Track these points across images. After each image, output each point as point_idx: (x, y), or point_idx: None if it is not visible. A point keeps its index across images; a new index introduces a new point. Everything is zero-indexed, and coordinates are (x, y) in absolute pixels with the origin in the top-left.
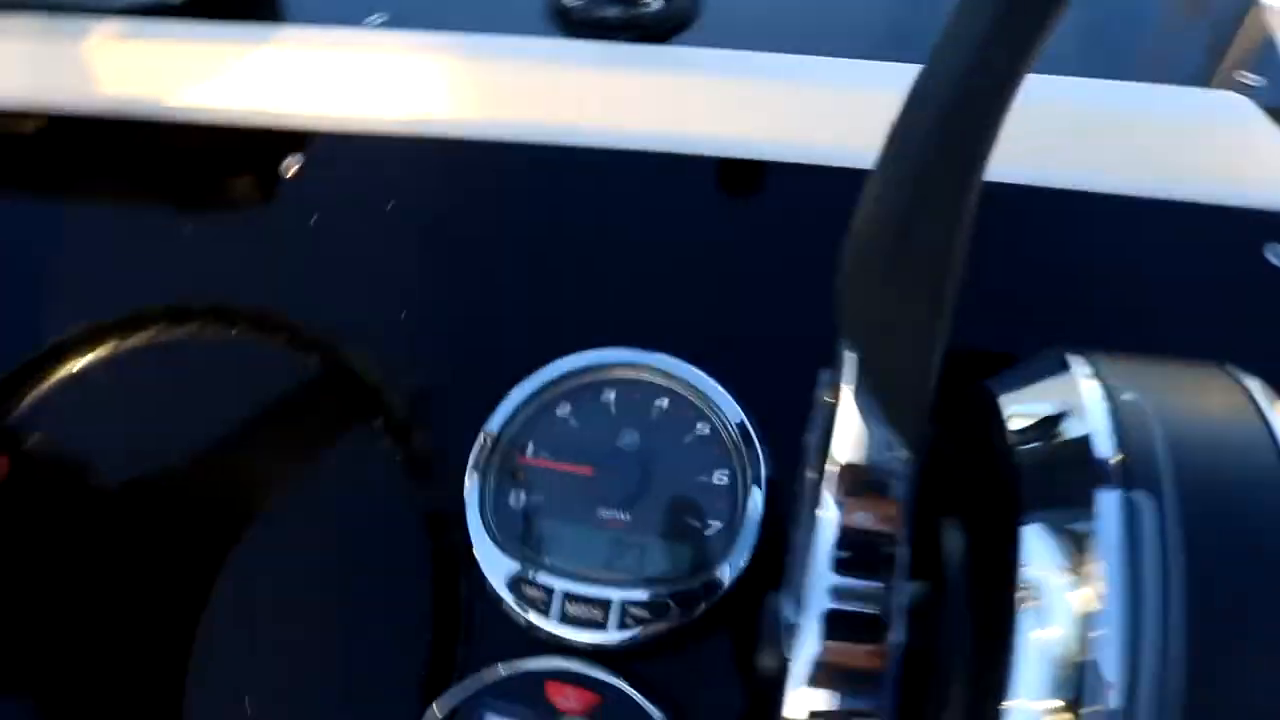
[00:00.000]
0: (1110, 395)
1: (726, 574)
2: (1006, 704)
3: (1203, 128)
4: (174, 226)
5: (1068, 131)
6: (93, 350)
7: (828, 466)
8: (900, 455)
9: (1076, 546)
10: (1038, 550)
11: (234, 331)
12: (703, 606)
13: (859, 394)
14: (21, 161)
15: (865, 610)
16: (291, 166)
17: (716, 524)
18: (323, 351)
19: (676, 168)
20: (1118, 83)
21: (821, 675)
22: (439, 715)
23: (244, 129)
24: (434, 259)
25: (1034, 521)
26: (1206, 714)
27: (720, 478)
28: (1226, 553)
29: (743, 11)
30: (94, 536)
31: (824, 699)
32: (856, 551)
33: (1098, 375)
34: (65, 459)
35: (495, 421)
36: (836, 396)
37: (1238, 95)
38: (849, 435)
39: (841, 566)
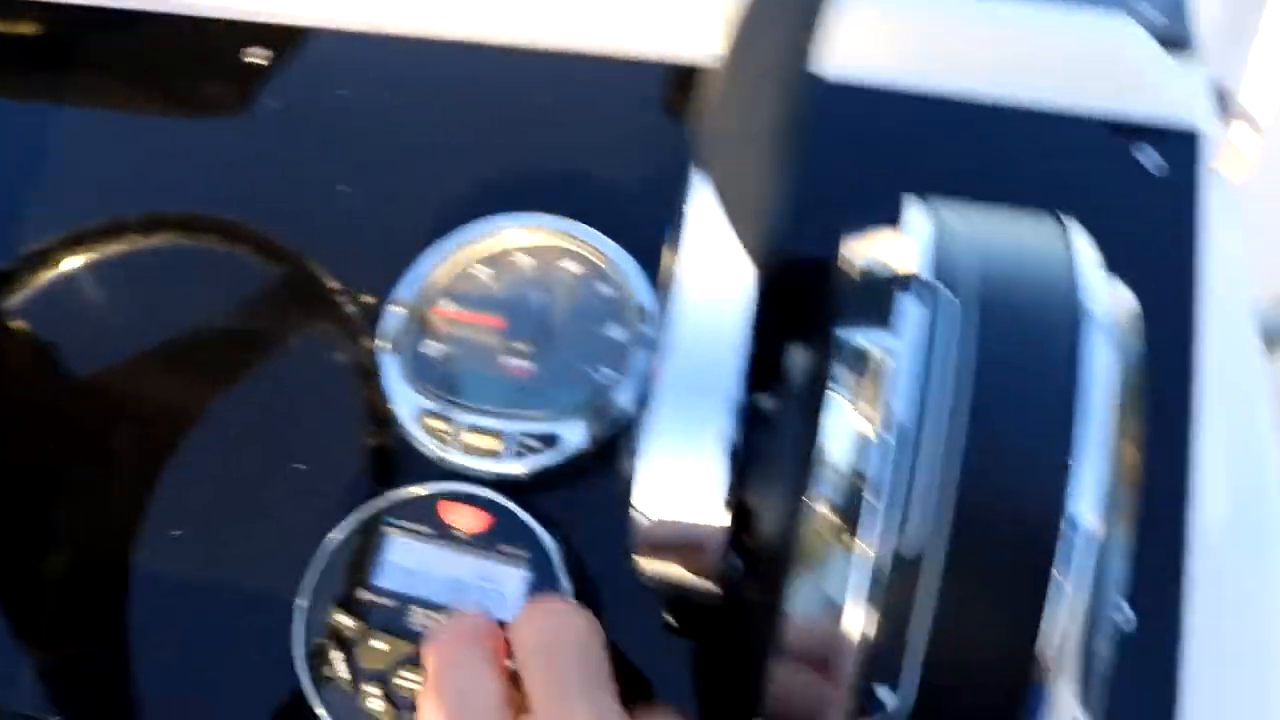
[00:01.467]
0: (932, 217)
1: (615, 415)
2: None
3: (1089, 47)
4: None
5: (966, 47)
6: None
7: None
8: (748, 269)
9: (877, 350)
10: (844, 353)
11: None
12: (591, 442)
13: (709, 212)
14: None
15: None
16: (255, 55)
17: (610, 373)
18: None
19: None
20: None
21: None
22: (341, 535)
23: None
24: (368, 143)
25: (845, 326)
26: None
27: (617, 334)
28: (1010, 356)
29: None
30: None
31: (665, 499)
32: None
33: (928, 207)
34: None
35: (412, 277)
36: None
37: (1126, 18)
38: (701, 246)
39: None
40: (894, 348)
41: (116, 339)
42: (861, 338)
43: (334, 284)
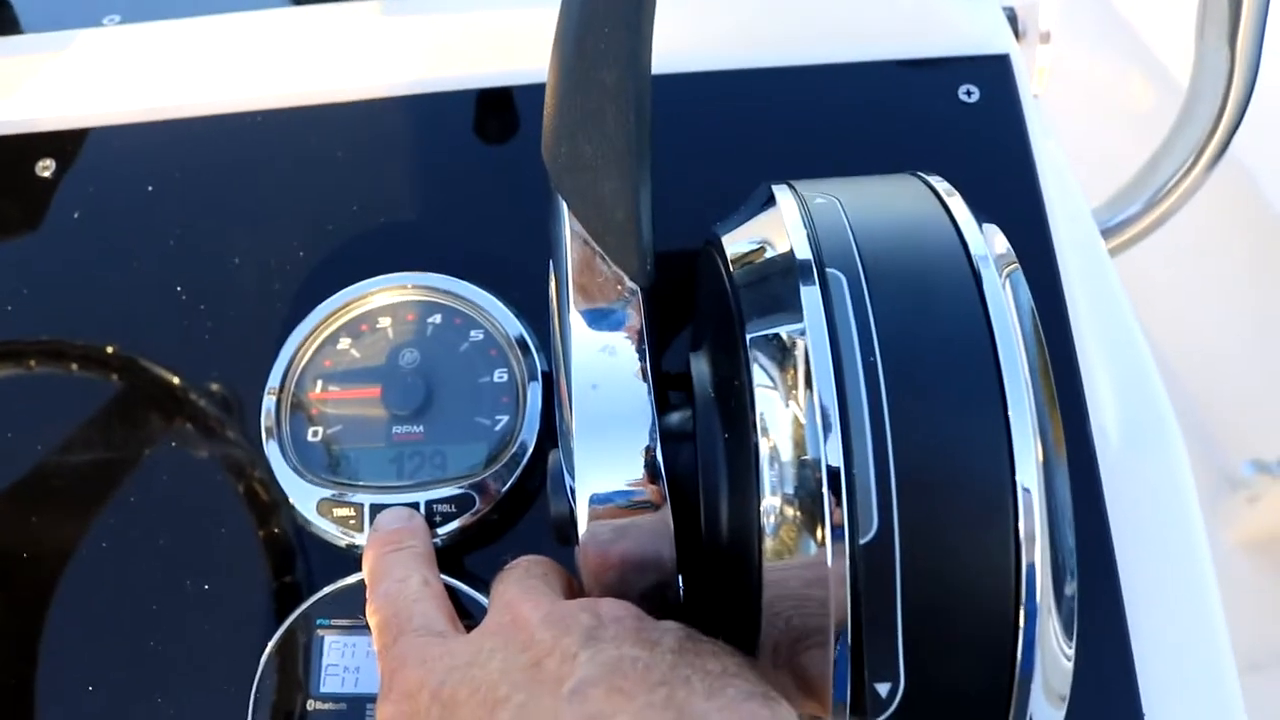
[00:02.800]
0: (803, 202)
1: (518, 459)
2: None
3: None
4: None
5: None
6: None
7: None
8: (628, 286)
9: (789, 336)
10: (758, 349)
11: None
12: (503, 491)
13: (577, 240)
14: None
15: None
16: (48, 168)
17: (503, 418)
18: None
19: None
20: None
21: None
22: (271, 648)
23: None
24: (193, 235)
25: (752, 330)
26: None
27: (500, 375)
28: (909, 319)
29: None
30: None
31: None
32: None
33: (793, 191)
34: None
35: (277, 371)
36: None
37: None
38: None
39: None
40: (803, 333)
41: None
42: (768, 332)
43: (198, 390)
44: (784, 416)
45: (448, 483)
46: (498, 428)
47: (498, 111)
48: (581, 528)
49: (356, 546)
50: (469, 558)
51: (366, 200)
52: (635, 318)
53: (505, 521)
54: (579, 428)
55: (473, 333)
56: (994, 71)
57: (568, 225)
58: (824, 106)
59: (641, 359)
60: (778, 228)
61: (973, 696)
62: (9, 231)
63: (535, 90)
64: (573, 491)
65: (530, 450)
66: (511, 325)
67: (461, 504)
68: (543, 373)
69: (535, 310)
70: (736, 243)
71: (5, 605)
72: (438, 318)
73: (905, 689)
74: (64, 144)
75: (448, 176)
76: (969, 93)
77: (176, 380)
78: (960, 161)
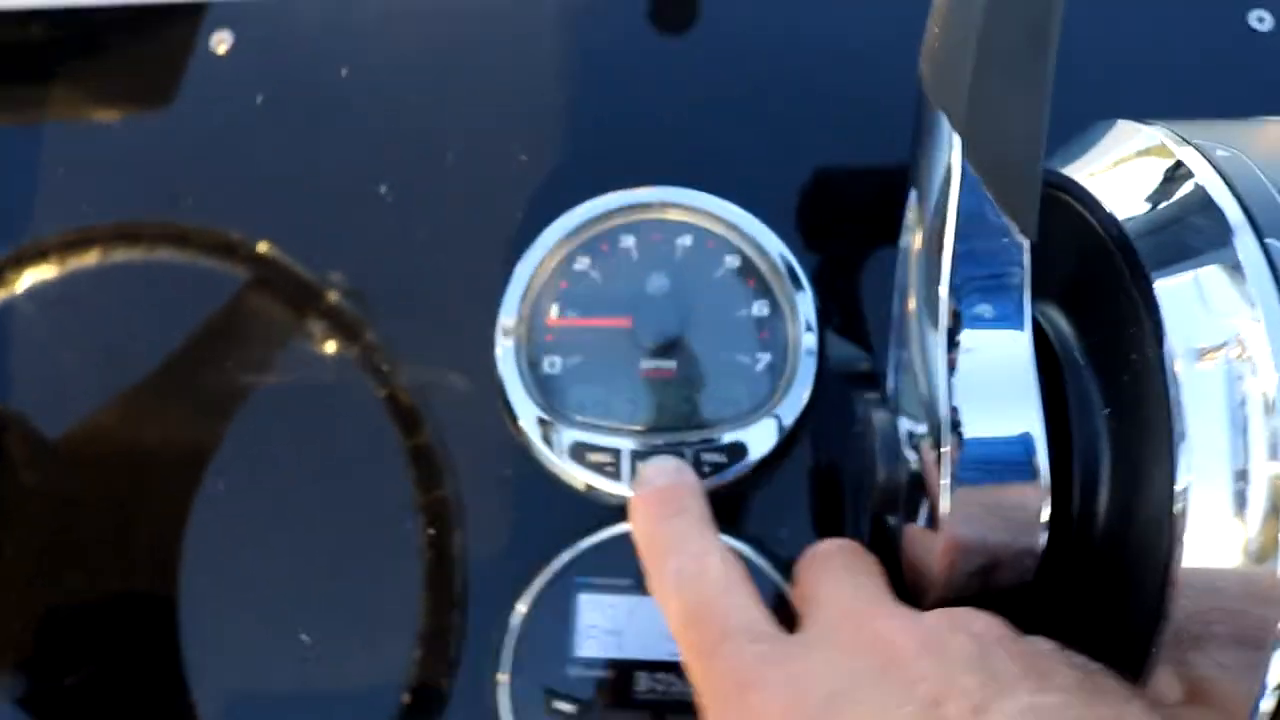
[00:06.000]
0: (1205, 154)
1: (792, 407)
2: (1183, 478)
3: None
4: (111, 126)
5: None
6: (38, 272)
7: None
8: (1017, 240)
9: (1218, 297)
10: (1176, 306)
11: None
12: (777, 440)
13: (968, 181)
14: None
15: None
16: (223, 41)
17: (764, 356)
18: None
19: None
20: None
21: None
22: (525, 606)
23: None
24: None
25: (1164, 278)
26: None
27: (760, 309)
28: None
29: None
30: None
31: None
32: None
33: (1181, 138)
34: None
35: (513, 292)
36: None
37: None
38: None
39: None
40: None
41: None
42: (1192, 306)
43: (409, 311)
44: (1222, 404)
45: (713, 427)
46: (758, 367)
47: (754, 11)
48: (945, 508)
49: (615, 496)
50: (742, 513)
51: (598, 100)
52: (1019, 275)
53: (776, 474)
54: (955, 396)
55: (728, 258)
56: None
57: (957, 164)
58: (1102, 36)
59: (1025, 325)
60: (1178, 182)
61: None
62: (182, 115)
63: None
64: (925, 463)
65: (807, 395)
66: (775, 250)
67: (733, 453)
68: (817, 309)
69: (801, 235)
70: (1113, 194)
71: (255, 557)
72: (688, 239)
73: None
74: (241, 15)
75: (694, 76)
76: (1261, 20)
77: (383, 298)
78: (1253, 100)
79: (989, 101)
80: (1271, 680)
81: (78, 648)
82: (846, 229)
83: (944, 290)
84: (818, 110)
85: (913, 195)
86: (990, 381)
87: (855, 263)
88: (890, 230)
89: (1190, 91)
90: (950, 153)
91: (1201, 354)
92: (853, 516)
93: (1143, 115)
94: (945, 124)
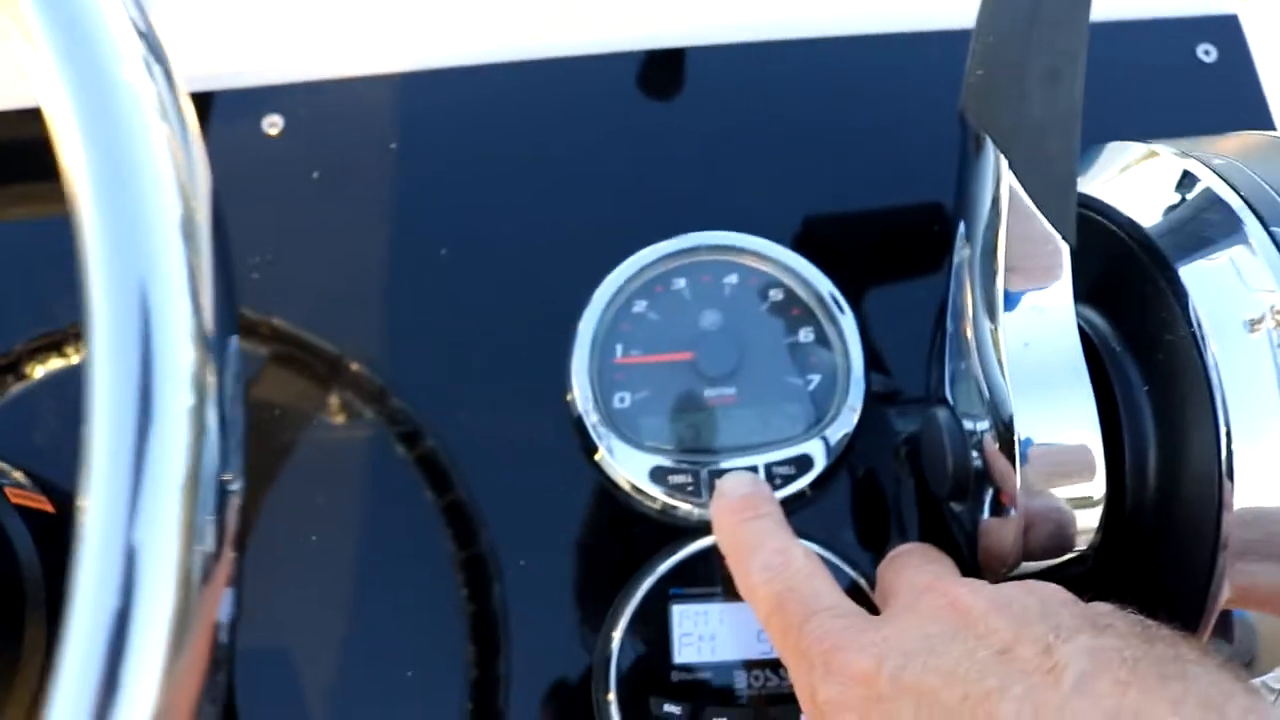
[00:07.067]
0: (1205, 162)
1: (848, 419)
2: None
3: None
4: None
5: None
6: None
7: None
8: (1059, 246)
9: (1239, 277)
10: (1200, 288)
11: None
12: (839, 450)
13: (1016, 199)
14: None
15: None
16: (275, 125)
17: (814, 377)
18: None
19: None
20: None
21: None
22: (619, 629)
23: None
24: (452, 194)
25: (1186, 265)
26: None
27: (806, 335)
28: None
29: None
30: None
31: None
32: None
33: (1182, 152)
34: None
35: (583, 338)
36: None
37: None
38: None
39: None
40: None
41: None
42: (1214, 292)
43: (485, 359)
44: (1261, 368)
45: (780, 444)
46: (810, 387)
47: (777, 66)
48: (1016, 486)
49: (696, 515)
50: (807, 520)
51: (637, 156)
52: (1064, 276)
53: (833, 484)
54: (1015, 386)
55: (772, 291)
56: (1227, 30)
57: (1006, 182)
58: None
59: (1071, 318)
60: (1186, 187)
61: None
62: (243, 194)
63: (826, 44)
64: (989, 454)
65: (859, 408)
66: (816, 281)
67: (801, 465)
68: (859, 330)
69: (837, 266)
70: (1127, 204)
71: (349, 580)
72: (734, 277)
73: None
74: (290, 99)
75: (720, 130)
76: (1207, 52)
77: (458, 352)
78: (1202, 122)
79: (1029, 124)
80: None
81: None
82: (872, 256)
83: (999, 294)
84: (827, 150)
85: (961, 225)
86: (1045, 367)
87: (884, 284)
88: (906, 251)
89: (1146, 117)
90: (997, 173)
91: (1230, 326)
92: (897, 517)
93: (1108, 140)
94: (990, 148)
